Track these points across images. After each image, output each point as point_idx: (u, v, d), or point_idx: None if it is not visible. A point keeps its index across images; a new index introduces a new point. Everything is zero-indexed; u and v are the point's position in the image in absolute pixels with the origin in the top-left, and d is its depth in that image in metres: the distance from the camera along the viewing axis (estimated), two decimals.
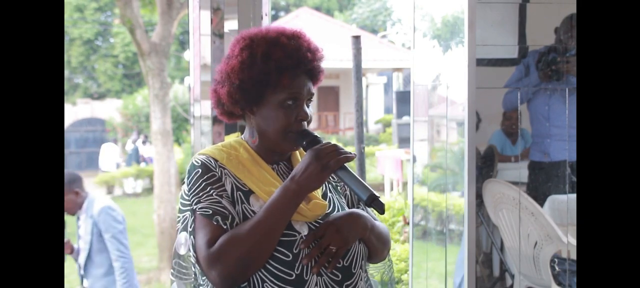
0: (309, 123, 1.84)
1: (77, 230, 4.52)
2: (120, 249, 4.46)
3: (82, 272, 4.55)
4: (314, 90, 1.84)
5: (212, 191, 1.76)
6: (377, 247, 1.89)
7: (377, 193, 1.70)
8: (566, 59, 3.33)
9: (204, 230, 1.73)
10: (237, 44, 1.83)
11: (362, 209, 1.93)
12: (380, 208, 1.69)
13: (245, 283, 1.75)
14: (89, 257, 4.48)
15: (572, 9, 3.34)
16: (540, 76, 3.37)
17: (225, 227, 1.73)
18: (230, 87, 1.81)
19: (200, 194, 1.76)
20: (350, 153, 1.74)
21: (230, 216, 1.74)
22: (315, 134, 1.81)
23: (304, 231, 1.77)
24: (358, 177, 1.74)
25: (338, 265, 1.77)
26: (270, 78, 1.77)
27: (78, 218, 4.52)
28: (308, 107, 1.83)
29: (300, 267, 1.74)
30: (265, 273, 1.74)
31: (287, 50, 1.78)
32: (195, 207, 1.76)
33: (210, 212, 1.74)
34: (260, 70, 1.77)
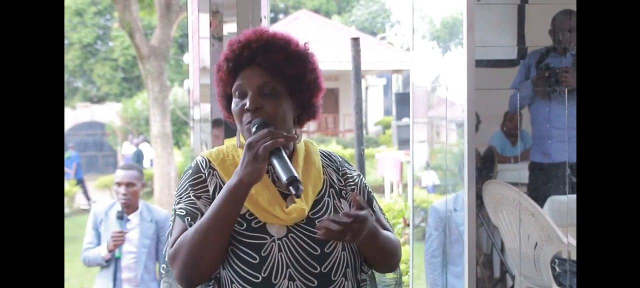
0: (269, 113, 1.77)
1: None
2: None
3: (120, 273, 4.37)
4: (268, 78, 1.78)
5: (191, 192, 1.80)
6: (377, 257, 1.85)
7: (296, 177, 1.64)
8: (564, 69, 3.32)
9: (175, 229, 1.78)
10: None
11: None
12: (296, 192, 1.63)
13: (213, 282, 1.78)
14: (143, 262, 4.39)
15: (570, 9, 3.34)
16: (538, 79, 3.37)
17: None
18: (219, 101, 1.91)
19: (182, 195, 1.81)
20: (283, 136, 1.69)
21: (199, 217, 1.75)
22: (265, 121, 1.76)
23: (282, 235, 1.75)
24: (287, 160, 1.68)
25: (315, 271, 1.74)
26: (220, 78, 1.85)
27: (127, 220, 4.40)
28: (266, 95, 1.78)
29: (267, 270, 1.72)
30: (233, 274, 1.75)
31: (226, 49, 1.84)
32: (175, 207, 1.80)
33: (184, 212, 1.77)
34: (215, 73, 1.87)
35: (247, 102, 1.77)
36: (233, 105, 1.82)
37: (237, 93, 1.81)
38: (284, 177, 1.64)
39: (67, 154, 16.28)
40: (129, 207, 4.40)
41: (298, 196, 1.68)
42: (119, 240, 4.27)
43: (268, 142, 1.66)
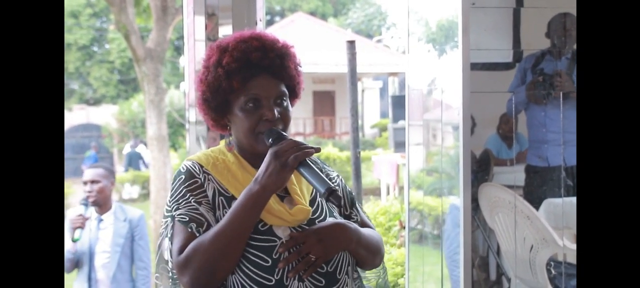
0: (284, 122, 1.81)
1: (96, 233, 4.41)
2: (146, 259, 4.50)
3: (94, 273, 4.40)
4: (283, 88, 1.83)
5: (191, 198, 1.78)
6: (366, 258, 1.89)
7: (334, 187, 1.67)
8: (558, 72, 3.33)
9: (179, 236, 1.76)
10: (204, 56, 1.88)
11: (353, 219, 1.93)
12: (338, 201, 1.67)
13: None
14: (117, 261, 4.43)
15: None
16: (532, 84, 3.37)
17: (198, 234, 1.74)
18: (199, 99, 1.86)
19: (180, 201, 1.78)
20: (311, 148, 1.71)
21: (206, 223, 1.75)
22: (281, 131, 1.78)
23: (287, 236, 1.76)
24: (318, 171, 1.71)
25: (322, 270, 1.76)
26: (222, 84, 1.80)
27: (100, 219, 4.44)
28: (281, 105, 1.82)
29: (280, 273, 1.73)
30: (244, 278, 1.74)
31: (234, 54, 1.80)
32: (174, 213, 1.78)
33: (187, 218, 1.75)
34: (213, 79, 1.81)
35: (265, 112, 1.78)
36: (242, 114, 1.80)
37: (250, 101, 1.80)
38: (322, 189, 1.66)
39: (86, 153, 16.32)
40: (97, 204, 4.43)
41: (340, 206, 1.72)
42: (77, 223, 4.27)
43: (298, 153, 1.68)
